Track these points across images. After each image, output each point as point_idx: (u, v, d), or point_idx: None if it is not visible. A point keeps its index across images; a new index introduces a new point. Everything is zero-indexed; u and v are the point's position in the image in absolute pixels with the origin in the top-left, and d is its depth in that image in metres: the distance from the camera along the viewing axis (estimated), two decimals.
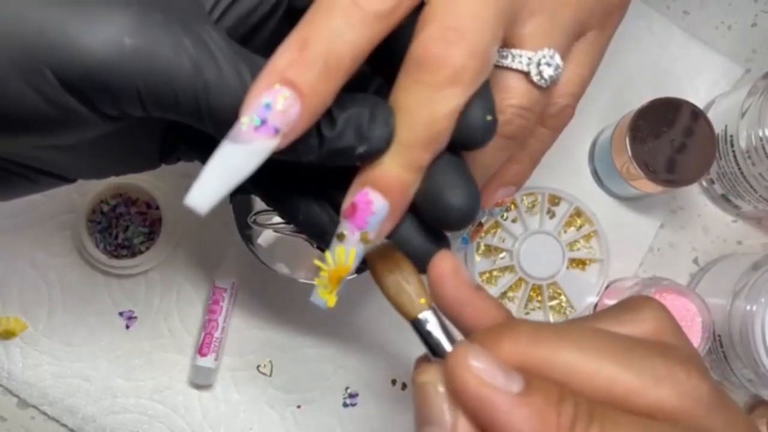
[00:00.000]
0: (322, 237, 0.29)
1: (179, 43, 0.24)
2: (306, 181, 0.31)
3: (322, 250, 0.28)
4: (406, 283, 0.27)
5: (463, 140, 0.27)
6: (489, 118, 0.27)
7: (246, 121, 0.24)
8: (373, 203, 0.26)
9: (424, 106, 0.26)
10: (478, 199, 0.28)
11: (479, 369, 0.23)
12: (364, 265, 0.28)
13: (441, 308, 0.28)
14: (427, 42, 0.26)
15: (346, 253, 0.27)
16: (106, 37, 0.24)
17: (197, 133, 0.28)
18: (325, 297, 0.28)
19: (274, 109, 0.24)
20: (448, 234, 0.46)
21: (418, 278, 0.27)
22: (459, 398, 0.24)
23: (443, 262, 0.27)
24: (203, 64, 0.24)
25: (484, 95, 0.27)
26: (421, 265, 0.29)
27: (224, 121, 0.25)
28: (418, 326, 0.27)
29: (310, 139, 0.25)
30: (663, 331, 0.26)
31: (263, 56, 0.26)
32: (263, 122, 0.24)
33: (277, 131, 0.24)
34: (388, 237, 0.28)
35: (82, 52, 0.24)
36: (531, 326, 0.25)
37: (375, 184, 0.26)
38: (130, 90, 0.24)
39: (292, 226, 0.47)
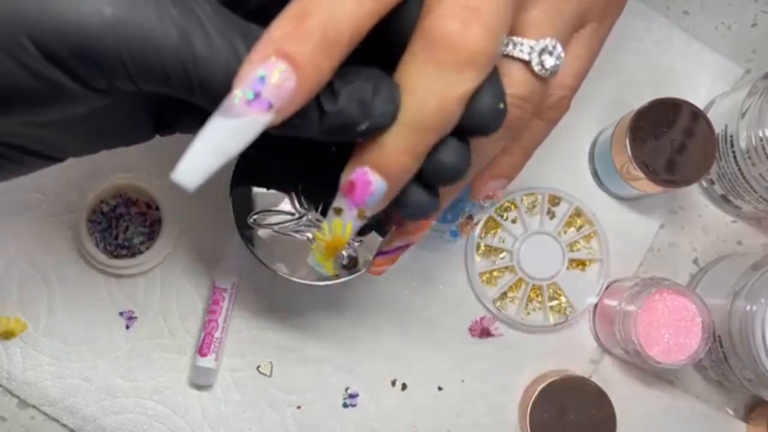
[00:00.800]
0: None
1: (164, 11, 0.23)
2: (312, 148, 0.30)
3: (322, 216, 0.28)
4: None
5: (473, 126, 0.26)
6: (501, 105, 0.26)
7: (239, 94, 0.23)
8: (372, 184, 0.26)
9: (437, 88, 0.25)
10: (468, 156, 0.27)
11: None
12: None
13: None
14: (443, 19, 0.24)
15: (343, 226, 0.27)
16: (85, 5, 0.23)
17: (194, 105, 0.27)
18: (322, 262, 0.28)
19: (268, 82, 0.23)
20: (438, 228, 0.45)
21: None
22: None
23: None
24: (191, 33, 0.23)
25: (495, 81, 0.26)
26: (414, 213, 0.28)
27: (218, 94, 0.24)
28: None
29: (311, 113, 0.25)
30: None
31: (259, 25, 0.25)
32: (257, 96, 0.23)
33: (270, 106, 0.23)
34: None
35: (60, 21, 0.23)
36: None
37: (375, 164, 0.26)
38: (115, 61, 0.23)
39: (292, 225, 0.47)
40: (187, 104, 0.31)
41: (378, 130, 0.25)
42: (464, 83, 0.25)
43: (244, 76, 0.23)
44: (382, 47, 0.26)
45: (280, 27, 0.23)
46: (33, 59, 0.23)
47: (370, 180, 0.26)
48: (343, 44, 0.24)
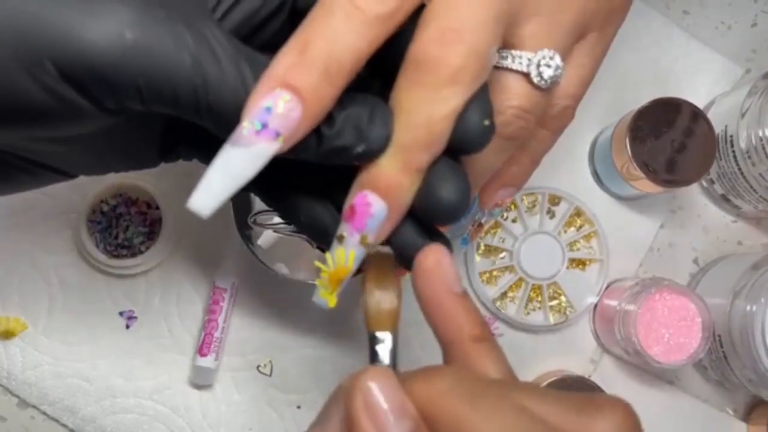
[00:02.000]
0: (325, 238, 0.29)
1: (180, 38, 0.24)
2: (308, 181, 0.31)
3: (323, 251, 0.28)
4: (382, 295, 0.27)
5: (460, 144, 0.27)
6: (486, 122, 0.27)
7: (247, 125, 0.24)
8: (372, 206, 0.26)
9: (423, 107, 0.26)
10: (468, 192, 0.28)
11: (372, 396, 0.23)
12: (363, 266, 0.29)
13: (419, 302, 0.27)
14: (425, 42, 0.26)
15: (345, 255, 0.27)
16: (106, 29, 0.24)
17: (197, 131, 0.28)
18: (326, 297, 0.28)
19: (274, 112, 0.24)
20: (449, 234, 0.45)
21: (396, 296, 0.27)
22: (346, 412, 0.23)
23: (429, 258, 0.26)
24: (204, 60, 0.25)
25: (481, 99, 0.27)
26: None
27: (224, 118, 0.25)
28: (372, 342, 0.28)
29: (309, 137, 0.26)
30: None
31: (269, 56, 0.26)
32: (264, 126, 0.24)
33: (278, 135, 0.24)
34: (389, 239, 0.28)
35: (82, 43, 0.24)
36: (455, 379, 0.23)
37: (373, 186, 0.26)
38: (130, 83, 0.24)
39: (292, 226, 0.48)
40: (188, 134, 0.31)
41: (373, 153, 0.26)
42: (447, 102, 0.26)
43: (251, 108, 0.24)
44: (383, 72, 0.27)
45: (285, 58, 0.25)
46: (51, 78, 0.24)
47: (369, 202, 0.26)
48: (344, 73, 0.25)
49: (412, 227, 0.28)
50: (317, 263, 0.27)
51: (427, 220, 0.28)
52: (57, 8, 0.24)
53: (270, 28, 0.30)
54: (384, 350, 0.28)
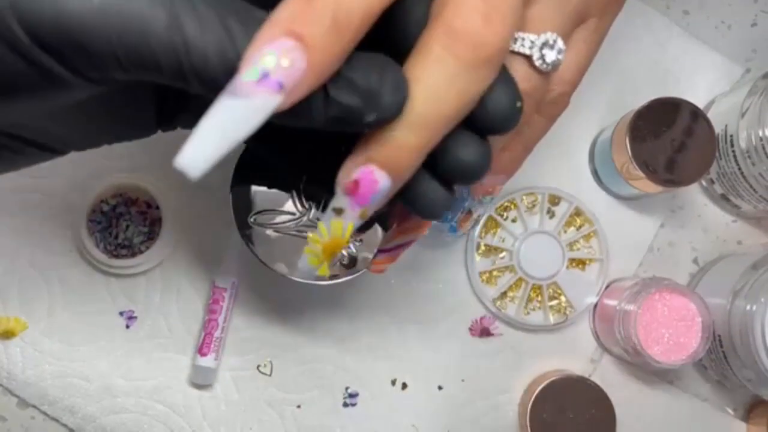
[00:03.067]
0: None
1: None
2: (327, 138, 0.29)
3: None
4: None
5: (490, 125, 0.25)
6: (519, 104, 0.26)
7: (246, 73, 0.22)
8: (379, 183, 0.24)
9: (456, 83, 0.24)
10: (490, 155, 0.26)
11: None
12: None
13: None
14: (470, 13, 0.24)
15: (343, 227, 0.25)
16: None
17: (199, 99, 0.26)
18: (315, 265, 0.27)
19: (278, 62, 0.22)
20: (441, 232, 0.44)
21: None
22: None
23: None
24: (182, 16, 0.22)
25: (509, 79, 0.26)
26: (431, 212, 0.27)
27: (215, 83, 0.23)
28: None
29: (315, 98, 0.23)
30: None
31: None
32: (266, 76, 0.22)
33: (281, 87, 0.22)
34: (402, 191, 0.26)
35: (54, 6, 0.22)
36: None
37: (383, 162, 0.24)
38: (105, 48, 0.23)
39: (292, 225, 0.47)
40: (188, 100, 0.30)
41: (386, 120, 0.24)
42: (482, 80, 0.24)
43: (252, 55, 0.22)
44: (384, 44, 0.25)
45: (290, 7, 0.22)
46: (24, 46, 0.23)
47: (376, 179, 0.24)
48: (353, 28, 0.23)
49: (424, 179, 0.26)
50: (310, 235, 0.26)
51: (446, 178, 0.26)
52: None
53: None
54: None
